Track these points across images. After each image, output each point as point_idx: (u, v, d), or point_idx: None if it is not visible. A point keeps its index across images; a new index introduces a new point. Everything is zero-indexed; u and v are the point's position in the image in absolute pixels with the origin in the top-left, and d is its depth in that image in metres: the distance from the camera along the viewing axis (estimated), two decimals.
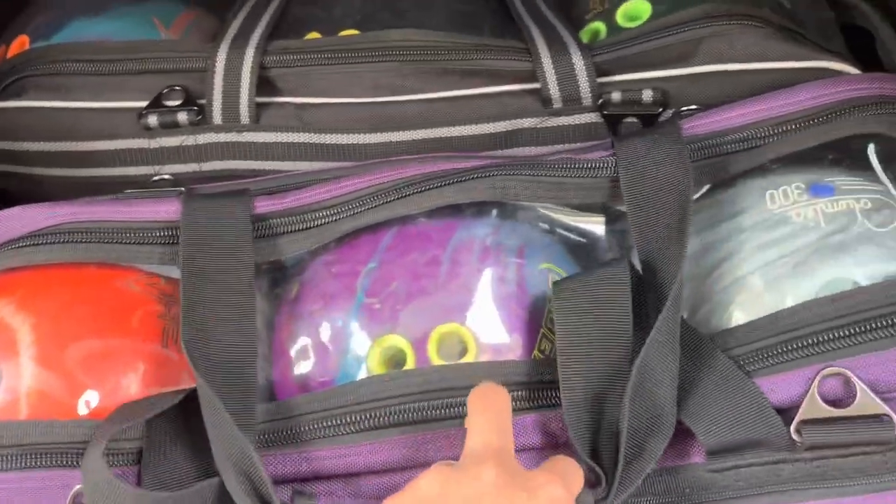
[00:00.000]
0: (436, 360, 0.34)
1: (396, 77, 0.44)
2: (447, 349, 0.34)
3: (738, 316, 0.34)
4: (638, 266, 0.34)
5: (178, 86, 0.45)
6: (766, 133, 0.37)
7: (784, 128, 0.37)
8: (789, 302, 0.33)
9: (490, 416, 0.28)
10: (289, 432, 0.32)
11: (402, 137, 0.44)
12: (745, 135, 0.38)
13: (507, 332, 0.34)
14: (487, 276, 0.35)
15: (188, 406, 0.32)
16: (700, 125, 0.38)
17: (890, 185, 0.35)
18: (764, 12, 0.44)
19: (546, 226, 0.38)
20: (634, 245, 0.35)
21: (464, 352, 0.34)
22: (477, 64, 0.44)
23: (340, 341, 0.34)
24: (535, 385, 0.32)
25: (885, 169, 0.37)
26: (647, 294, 0.33)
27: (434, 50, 0.44)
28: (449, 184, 0.36)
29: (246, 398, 0.32)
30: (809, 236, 0.34)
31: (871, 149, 0.37)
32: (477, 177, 0.36)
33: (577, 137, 0.45)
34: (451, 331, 0.34)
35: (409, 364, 0.33)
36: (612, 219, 0.39)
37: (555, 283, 0.34)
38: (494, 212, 0.37)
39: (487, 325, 0.34)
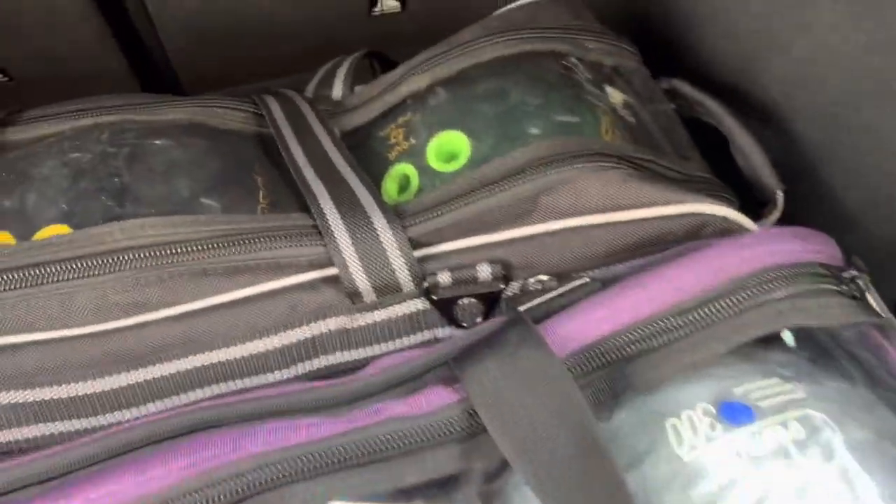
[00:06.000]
0: None
1: (132, 290, 0.31)
2: None
3: None
4: None
5: None
6: (665, 327, 0.28)
7: (685, 319, 0.28)
8: None
9: None
10: None
11: (151, 375, 0.31)
12: (634, 336, 0.28)
13: None
14: None
15: None
16: (569, 331, 0.28)
17: (811, 388, 0.26)
18: (606, 146, 0.34)
19: None
20: None
21: None
22: (249, 257, 0.32)
23: None
24: None
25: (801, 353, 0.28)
26: None
27: (184, 244, 0.31)
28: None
29: None
30: (744, 499, 0.25)
31: (786, 335, 0.28)
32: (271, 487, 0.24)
33: (399, 332, 0.33)
34: None
35: None
36: None
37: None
38: None
39: None
